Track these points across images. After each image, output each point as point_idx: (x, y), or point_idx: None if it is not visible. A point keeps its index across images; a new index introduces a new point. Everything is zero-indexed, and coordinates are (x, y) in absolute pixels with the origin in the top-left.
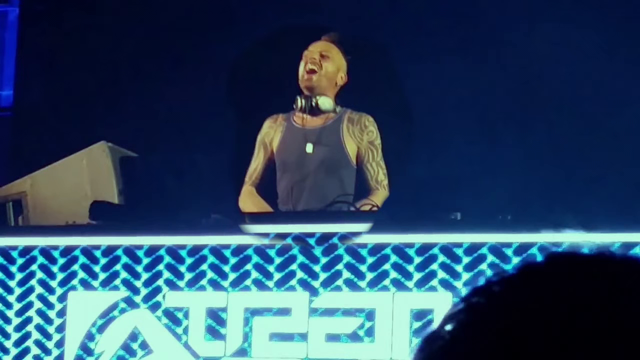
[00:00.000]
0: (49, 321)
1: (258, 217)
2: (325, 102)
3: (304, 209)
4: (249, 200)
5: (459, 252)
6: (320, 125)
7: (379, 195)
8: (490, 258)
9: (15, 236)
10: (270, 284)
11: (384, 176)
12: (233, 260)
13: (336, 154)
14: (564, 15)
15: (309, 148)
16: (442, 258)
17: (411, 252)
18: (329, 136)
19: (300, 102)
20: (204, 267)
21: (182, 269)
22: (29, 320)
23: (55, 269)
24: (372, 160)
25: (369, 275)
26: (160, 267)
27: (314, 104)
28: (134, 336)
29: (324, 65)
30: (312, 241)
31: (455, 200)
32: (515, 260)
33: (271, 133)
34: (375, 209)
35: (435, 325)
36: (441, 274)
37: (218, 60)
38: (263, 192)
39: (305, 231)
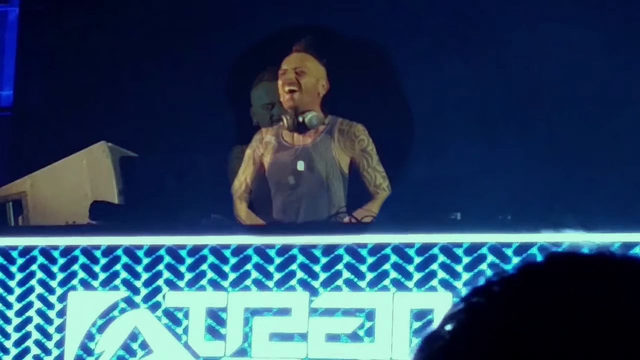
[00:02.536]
0: (49, 321)
1: (261, 229)
2: (313, 118)
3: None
4: (239, 212)
5: (459, 252)
6: (310, 142)
7: (380, 199)
8: (490, 258)
9: (15, 236)
10: (270, 284)
11: (382, 179)
12: (233, 260)
13: (328, 169)
14: (564, 15)
15: (301, 166)
16: (442, 258)
17: (411, 252)
18: (321, 153)
19: (286, 121)
20: (204, 267)
21: (182, 269)
22: (29, 320)
23: (55, 269)
24: (367, 167)
25: (369, 275)
26: (160, 267)
27: (301, 121)
28: (134, 336)
29: (302, 82)
30: (316, 252)
31: (455, 200)
32: (515, 260)
33: (261, 148)
34: (373, 218)
35: (435, 325)
36: (441, 274)
37: (218, 60)
38: (251, 205)
39: (308, 243)
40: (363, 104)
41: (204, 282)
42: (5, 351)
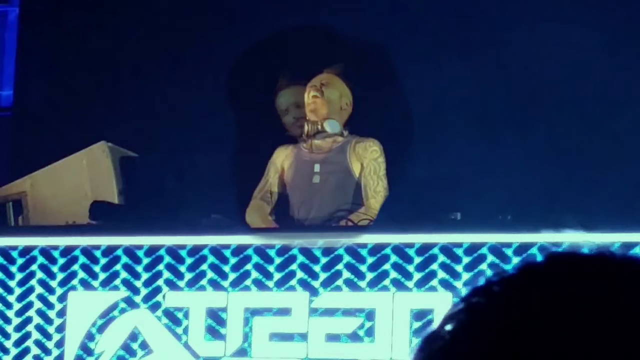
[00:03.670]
0: (49, 321)
1: (261, 230)
2: (330, 123)
3: (310, 222)
4: (257, 214)
5: (459, 252)
6: (327, 149)
7: (377, 203)
8: (490, 258)
9: (15, 236)
10: (270, 284)
11: (382, 189)
12: (233, 260)
13: (342, 173)
14: (564, 15)
15: (317, 167)
16: (442, 258)
17: (411, 252)
18: (336, 158)
19: (306, 127)
20: (204, 267)
21: (182, 269)
22: (29, 320)
23: (55, 269)
24: (373, 174)
25: (369, 275)
26: (160, 267)
27: (319, 127)
28: (134, 336)
29: (325, 91)
30: (316, 252)
31: (455, 200)
32: (515, 260)
33: (282, 156)
34: (370, 221)
35: (435, 325)
36: (441, 274)
37: (218, 60)
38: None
39: (307, 245)
40: (379, 123)
41: (204, 282)
42: (5, 351)
